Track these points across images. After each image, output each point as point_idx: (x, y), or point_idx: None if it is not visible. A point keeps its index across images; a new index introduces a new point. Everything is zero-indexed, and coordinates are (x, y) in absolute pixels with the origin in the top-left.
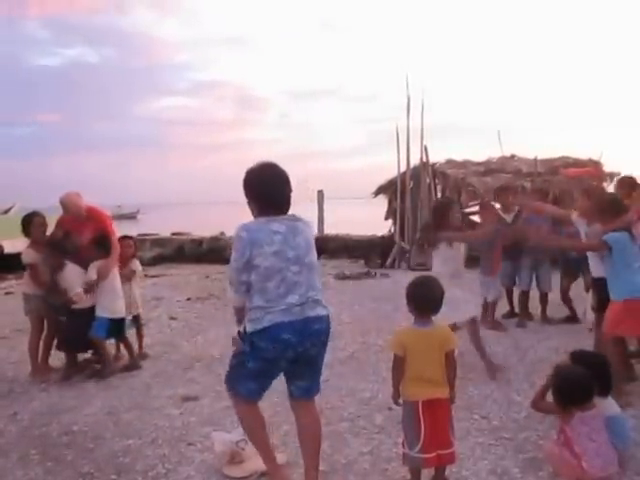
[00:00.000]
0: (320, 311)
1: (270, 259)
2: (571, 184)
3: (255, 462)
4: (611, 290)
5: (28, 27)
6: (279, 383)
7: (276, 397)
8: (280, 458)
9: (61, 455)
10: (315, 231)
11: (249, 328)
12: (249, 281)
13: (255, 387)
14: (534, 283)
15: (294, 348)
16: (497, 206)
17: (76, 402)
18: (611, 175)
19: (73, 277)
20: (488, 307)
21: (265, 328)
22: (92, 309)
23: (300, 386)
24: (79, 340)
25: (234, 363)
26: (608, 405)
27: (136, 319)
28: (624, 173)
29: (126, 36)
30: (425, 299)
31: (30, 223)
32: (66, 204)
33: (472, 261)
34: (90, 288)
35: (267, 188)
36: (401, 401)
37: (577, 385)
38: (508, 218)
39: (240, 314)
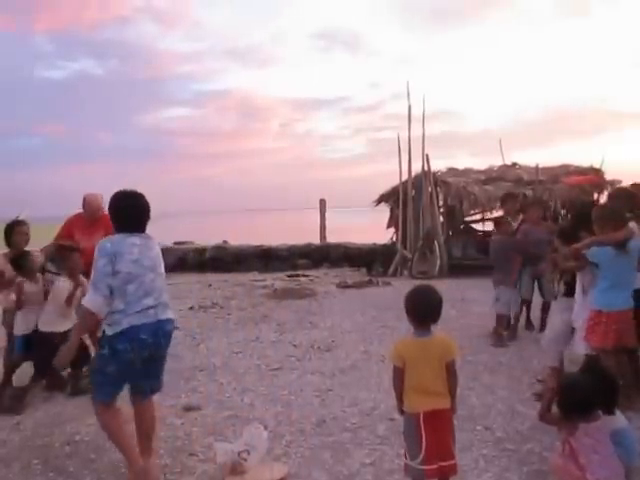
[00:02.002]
0: (169, 314)
1: (130, 266)
2: (572, 192)
3: (257, 473)
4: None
5: (34, 41)
6: (281, 387)
7: (280, 407)
8: (281, 469)
9: (63, 465)
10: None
11: (109, 331)
12: (112, 286)
13: (112, 390)
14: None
15: (149, 348)
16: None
17: (79, 412)
18: (612, 183)
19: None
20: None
21: (124, 330)
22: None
23: (152, 384)
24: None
25: (94, 370)
26: (615, 418)
27: None
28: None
29: (130, 48)
30: (423, 309)
31: (12, 231)
32: (86, 201)
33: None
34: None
35: (130, 213)
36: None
37: (579, 394)
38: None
39: (92, 320)
